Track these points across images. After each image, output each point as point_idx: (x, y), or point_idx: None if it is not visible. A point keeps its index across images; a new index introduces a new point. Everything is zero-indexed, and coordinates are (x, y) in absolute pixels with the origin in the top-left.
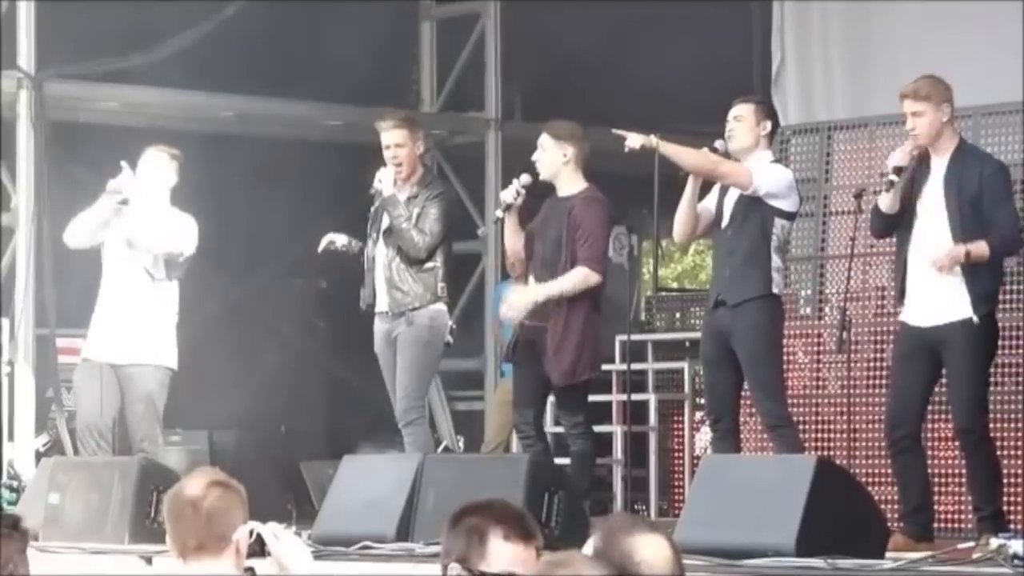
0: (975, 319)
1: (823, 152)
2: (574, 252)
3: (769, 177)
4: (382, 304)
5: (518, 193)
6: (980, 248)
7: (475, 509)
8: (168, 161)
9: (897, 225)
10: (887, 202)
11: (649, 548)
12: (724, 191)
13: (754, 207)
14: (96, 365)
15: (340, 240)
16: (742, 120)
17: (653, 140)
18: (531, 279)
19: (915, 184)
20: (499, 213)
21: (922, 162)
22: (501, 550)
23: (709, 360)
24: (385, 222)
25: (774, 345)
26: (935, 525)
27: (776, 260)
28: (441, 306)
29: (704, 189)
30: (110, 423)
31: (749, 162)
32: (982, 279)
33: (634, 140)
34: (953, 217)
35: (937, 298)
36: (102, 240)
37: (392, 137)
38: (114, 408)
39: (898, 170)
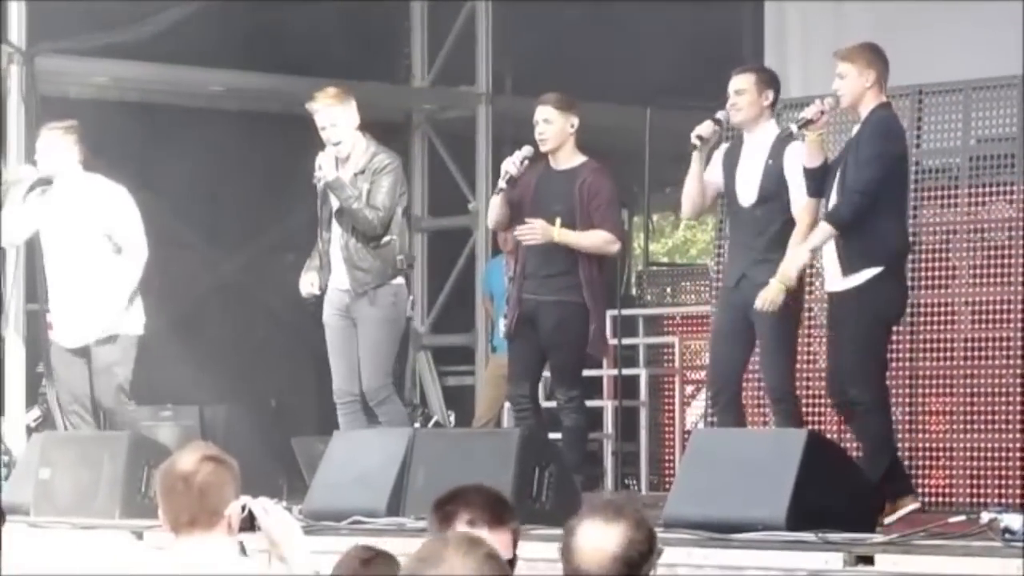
0: (849, 285)
1: None
2: (590, 221)
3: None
4: (343, 283)
5: (522, 163)
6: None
7: (451, 496)
8: (62, 136)
9: (823, 185)
10: (804, 154)
11: (583, 535)
12: (733, 164)
13: (784, 186)
14: (62, 347)
15: (308, 287)
16: (744, 93)
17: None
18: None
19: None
20: (503, 184)
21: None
22: None
23: (722, 333)
24: (335, 203)
25: (794, 320)
26: (926, 500)
27: None
28: (401, 280)
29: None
30: (90, 396)
31: (756, 133)
32: (851, 242)
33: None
34: (839, 181)
35: (829, 263)
36: (36, 229)
37: (326, 117)
38: (88, 384)
39: (805, 121)
